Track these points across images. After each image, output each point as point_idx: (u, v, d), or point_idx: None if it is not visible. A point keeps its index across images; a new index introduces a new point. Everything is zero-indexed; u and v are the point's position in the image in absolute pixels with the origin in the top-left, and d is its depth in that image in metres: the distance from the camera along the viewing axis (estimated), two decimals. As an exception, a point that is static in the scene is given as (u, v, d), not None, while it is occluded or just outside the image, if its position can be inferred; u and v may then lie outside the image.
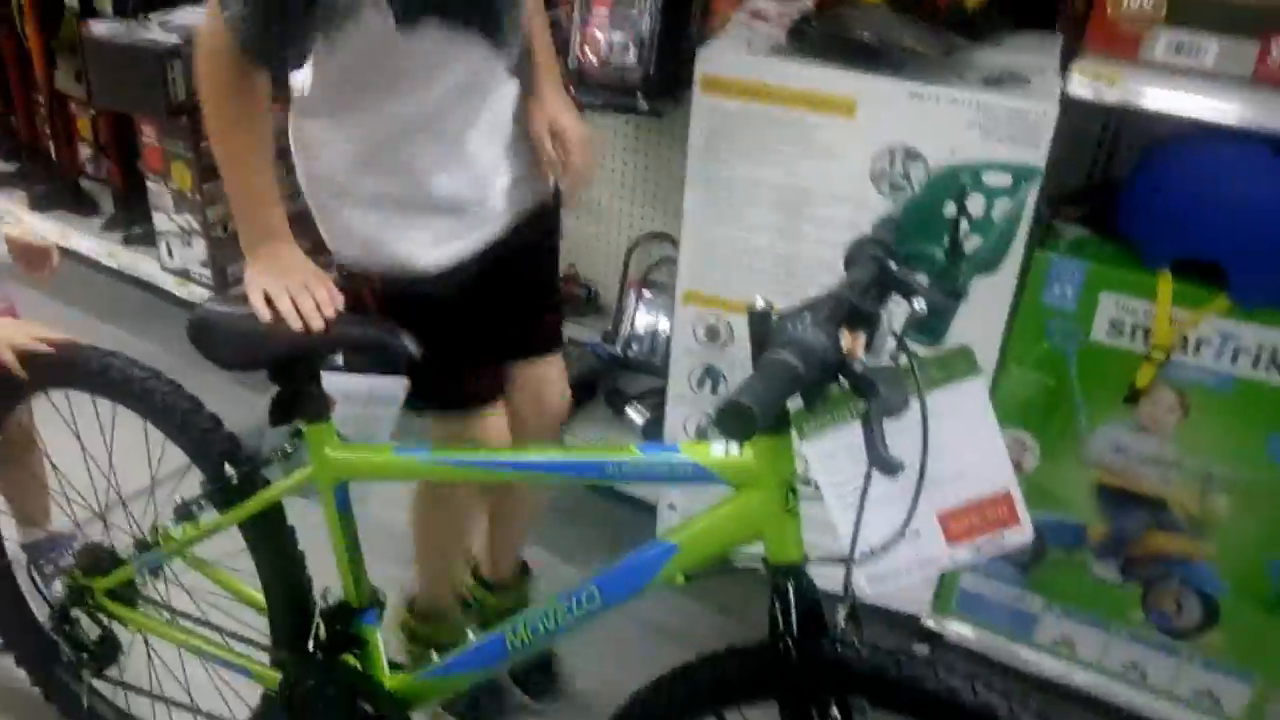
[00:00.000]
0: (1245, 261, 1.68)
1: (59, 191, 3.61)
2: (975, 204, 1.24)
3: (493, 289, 1.80)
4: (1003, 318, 1.87)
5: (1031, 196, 1.69)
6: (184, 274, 3.17)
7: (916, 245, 1.25)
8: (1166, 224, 1.76)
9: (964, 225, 1.24)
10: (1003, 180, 1.26)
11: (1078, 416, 1.89)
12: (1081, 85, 1.72)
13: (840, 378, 1.07)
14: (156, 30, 2.96)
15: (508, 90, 1.70)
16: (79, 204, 3.59)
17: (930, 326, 1.22)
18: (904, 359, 1.12)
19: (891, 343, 1.12)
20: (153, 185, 3.14)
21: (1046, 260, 1.81)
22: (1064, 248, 1.84)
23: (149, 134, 3.09)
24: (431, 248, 1.70)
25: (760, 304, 1.12)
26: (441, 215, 1.70)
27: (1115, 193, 1.88)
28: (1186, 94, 1.67)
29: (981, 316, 1.76)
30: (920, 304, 1.15)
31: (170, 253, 3.19)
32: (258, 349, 1.55)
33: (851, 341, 1.12)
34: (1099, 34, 1.75)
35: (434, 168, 1.66)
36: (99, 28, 3.00)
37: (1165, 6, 1.68)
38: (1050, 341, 1.86)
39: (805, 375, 1.00)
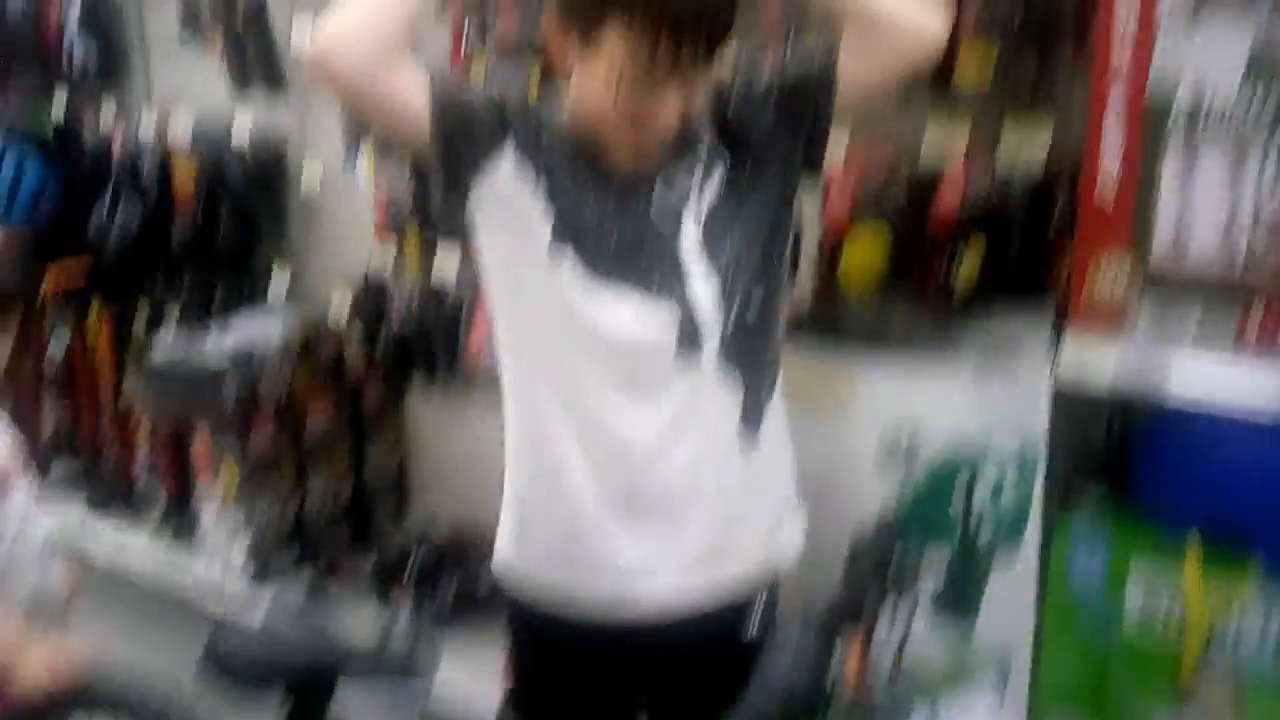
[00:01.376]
0: (1274, 534, 1.62)
1: (114, 495, 3.70)
2: (980, 491, 1.23)
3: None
4: (1031, 599, 1.80)
5: (1037, 476, 1.68)
6: (225, 574, 3.19)
7: (924, 538, 1.24)
8: (1187, 494, 1.72)
9: (970, 513, 1.23)
10: (1003, 464, 1.25)
11: (1125, 707, 1.77)
12: (1069, 362, 1.73)
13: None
14: (214, 340, 3.11)
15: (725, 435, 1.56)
16: (131, 506, 3.66)
17: (953, 603, 1.19)
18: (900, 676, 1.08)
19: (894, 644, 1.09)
20: (198, 488, 3.21)
21: (1066, 540, 1.74)
22: (1083, 524, 1.77)
23: (199, 439, 3.18)
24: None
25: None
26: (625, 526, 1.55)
27: (1133, 457, 1.85)
28: (1174, 367, 1.67)
29: (1008, 600, 1.70)
30: (921, 600, 1.13)
31: (213, 554, 3.22)
32: (269, 666, 1.53)
33: (851, 646, 1.09)
34: (1081, 308, 1.77)
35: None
36: (161, 340, 3.17)
37: (1141, 282, 1.70)
38: (1082, 625, 1.76)
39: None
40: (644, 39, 1.32)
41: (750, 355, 1.53)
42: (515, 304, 1.55)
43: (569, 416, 1.52)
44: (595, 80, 1.40)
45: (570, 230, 1.47)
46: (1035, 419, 1.75)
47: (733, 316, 1.49)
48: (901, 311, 1.91)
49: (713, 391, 1.52)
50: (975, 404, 1.77)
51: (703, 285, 1.48)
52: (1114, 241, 1.71)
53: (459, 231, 1.61)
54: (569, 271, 1.47)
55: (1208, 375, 1.65)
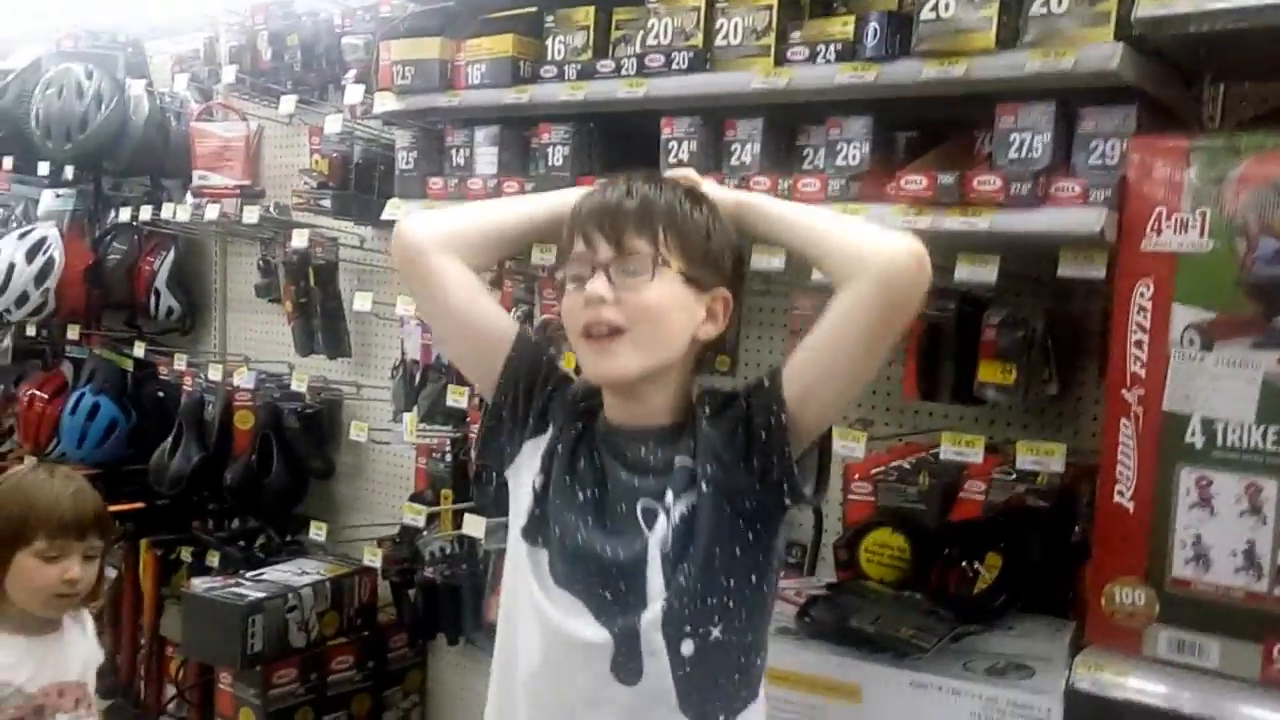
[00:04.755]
0: None
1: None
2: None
3: None
4: None
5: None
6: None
7: None
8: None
9: None
10: None
11: None
12: (1084, 679, 1.59)
13: None
14: (246, 586, 3.02)
15: None
16: (156, 743, 3.52)
17: None
18: None
19: None
20: (221, 730, 3.06)
21: None
22: None
23: (224, 679, 3.05)
24: None
25: None
26: None
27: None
28: (1192, 694, 1.53)
29: None
30: None
31: (225, 801, 3.03)
32: None
33: None
34: (1099, 627, 1.65)
35: None
36: (197, 583, 3.09)
37: (1158, 605, 1.59)
38: None
39: None
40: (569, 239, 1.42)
41: (699, 690, 1.37)
42: (510, 565, 1.48)
43: (526, 696, 1.44)
44: (562, 309, 1.42)
45: (542, 530, 1.42)
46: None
47: (682, 651, 1.36)
48: (917, 614, 1.79)
49: None
50: (987, 716, 1.63)
51: (655, 614, 1.35)
52: (1129, 564, 1.61)
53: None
54: (533, 565, 1.41)
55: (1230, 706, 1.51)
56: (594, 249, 1.38)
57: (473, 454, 2.70)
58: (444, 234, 1.47)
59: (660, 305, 1.37)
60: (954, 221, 1.76)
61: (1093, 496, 1.72)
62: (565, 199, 1.50)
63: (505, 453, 1.49)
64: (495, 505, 2.48)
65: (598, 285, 1.35)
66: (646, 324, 1.36)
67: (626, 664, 1.35)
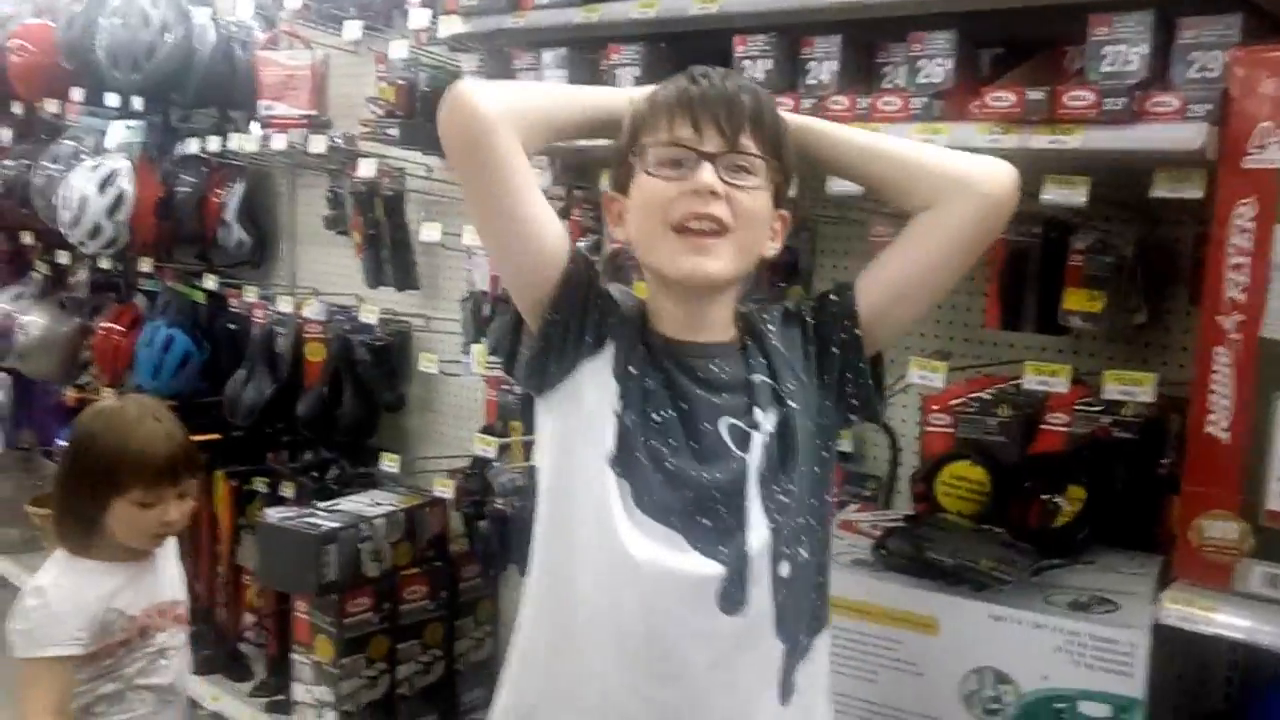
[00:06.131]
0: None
1: (219, 655, 3.67)
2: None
3: None
4: None
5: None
6: (311, 747, 3.09)
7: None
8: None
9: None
10: (1101, 711, 1.11)
11: None
12: (1172, 614, 1.56)
13: None
14: (320, 516, 3.07)
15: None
16: (234, 668, 3.63)
17: None
18: None
19: None
20: (296, 656, 3.14)
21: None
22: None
23: (301, 607, 3.14)
24: None
25: None
26: None
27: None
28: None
29: None
30: None
31: (303, 723, 3.13)
32: None
33: None
34: (1187, 561, 1.61)
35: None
36: (272, 513, 3.16)
37: (1252, 538, 1.55)
38: None
39: None
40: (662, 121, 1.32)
41: (792, 613, 1.35)
42: (561, 509, 1.39)
43: (603, 640, 1.35)
44: (640, 196, 1.34)
45: (629, 458, 1.32)
46: (1135, 671, 1.57)
47: (780, 573, 1.33)
48: (996, 547, 1.77)
49: (748, 653, 1.34)
50: (1070, 650, 1.61)
51: (763, 538, 1.32)
52: (1222, 497, 1.57)
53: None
54: (619, 496, 1.32)
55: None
56: (703, 137, 1.30)
57: (513, 376, 2.65)
58: (515, 109, 1.32)
59: (760, 213, 1.34)
60: (1042, 140, 1.71)
61: (1181, 428, 1.68)
62: (622, 96, 1.45)
63: (549, 373, 1.37)
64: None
65: (709, 176, 1.29)
66: (748, 230, 1.33)
67: (733, 593, 1.30)
